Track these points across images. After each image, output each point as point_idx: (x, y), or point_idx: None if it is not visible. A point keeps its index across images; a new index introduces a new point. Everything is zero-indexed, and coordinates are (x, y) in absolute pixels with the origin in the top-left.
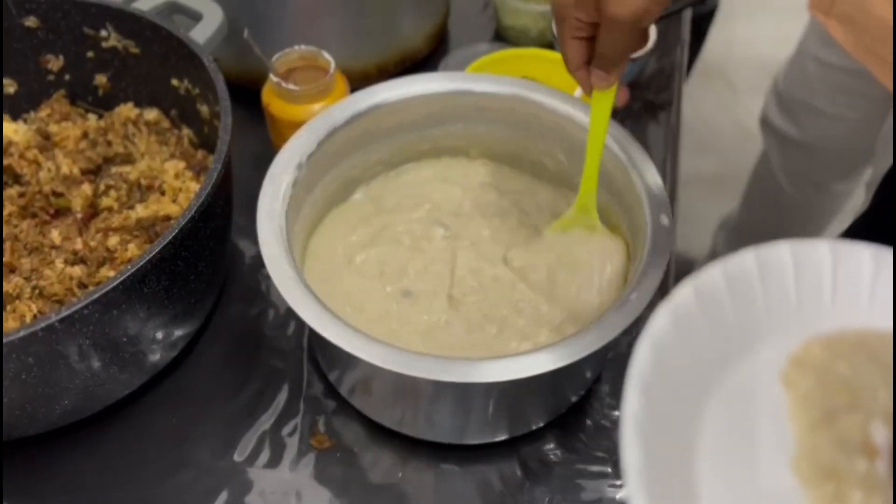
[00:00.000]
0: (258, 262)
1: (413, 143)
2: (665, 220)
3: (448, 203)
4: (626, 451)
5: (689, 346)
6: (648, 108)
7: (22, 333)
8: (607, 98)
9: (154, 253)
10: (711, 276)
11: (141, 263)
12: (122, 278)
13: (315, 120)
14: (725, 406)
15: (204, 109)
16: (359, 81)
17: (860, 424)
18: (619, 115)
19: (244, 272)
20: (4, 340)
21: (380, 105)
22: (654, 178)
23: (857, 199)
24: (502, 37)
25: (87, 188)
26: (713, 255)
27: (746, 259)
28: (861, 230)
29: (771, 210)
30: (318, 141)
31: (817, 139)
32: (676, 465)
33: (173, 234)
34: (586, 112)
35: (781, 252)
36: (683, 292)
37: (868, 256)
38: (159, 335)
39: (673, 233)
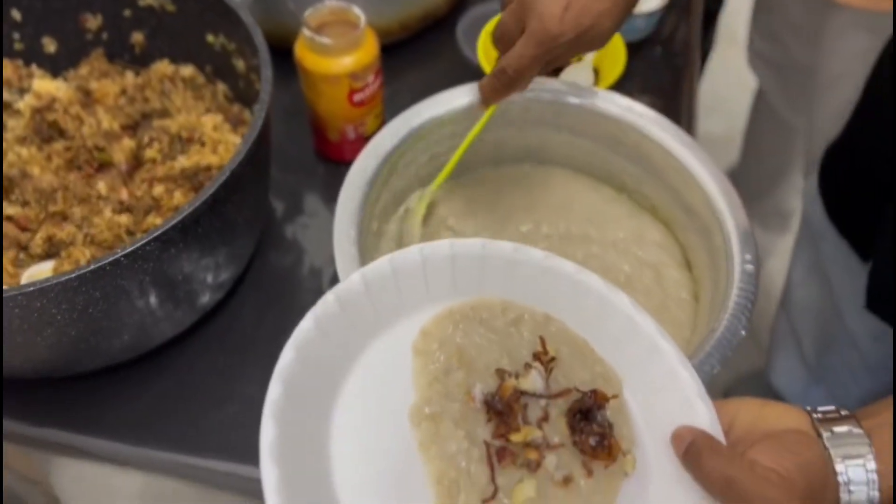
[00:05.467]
0: (289, 216)
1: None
2: (750, 267)
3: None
4: (263, 432)
5: (330, 341)
6: (664, 63)
7: (92, 267)
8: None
9: (208, 195)
10: (352, 283)
11: (197, 204)
12: (180, 217)
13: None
14: (362, 377)
15: (240, 64)
16: (382, 38)
17: (464, 380)
18: (637, 71)
19: (277, 225)
20: (77, 273)
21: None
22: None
23: None
24: None
25: (128, 142)
26: None
27: (382, 264)
28: (837, 155)
29: (771, 153)
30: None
31: (804, 57)
32: (311, 439)
33: (225, 176)
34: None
35: (412, 253)
36: (328, 298)
37: (478, 245)
38: (209, 277)
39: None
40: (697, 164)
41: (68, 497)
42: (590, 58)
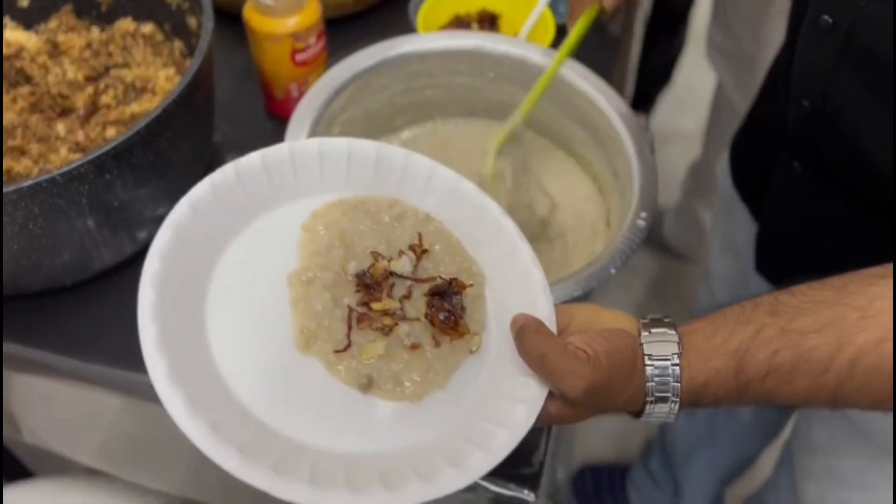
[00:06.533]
0: None
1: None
2: (641, 223)
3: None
4: (147, 265)
5: (224, 205)
6: (598, 45)
7: (29, 183)
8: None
9: (142, 126)
10: (251, 159)
11: (130, 134)
12: (114, 144)
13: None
14: (250, 242)
15: (192, 22)
16: (335, 10)
17: (342, 257)
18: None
19: None
20: (15, 187)
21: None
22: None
23: None
24: None
25: (89, 90)
26: (680, 204)
27: (281, 148)
28: (744, 129)
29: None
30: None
31: (753, 48)
32: (192, 279)
33: (158, 112)
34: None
35: (310, 145)
36: (226, 169)
37: (372, 148)
38: (146, 209)
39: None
40: (627, 134)
41: (21, 411)
42: (523, 34)
